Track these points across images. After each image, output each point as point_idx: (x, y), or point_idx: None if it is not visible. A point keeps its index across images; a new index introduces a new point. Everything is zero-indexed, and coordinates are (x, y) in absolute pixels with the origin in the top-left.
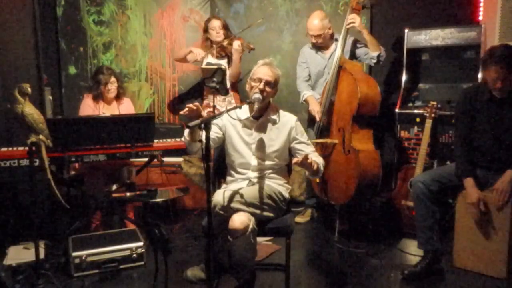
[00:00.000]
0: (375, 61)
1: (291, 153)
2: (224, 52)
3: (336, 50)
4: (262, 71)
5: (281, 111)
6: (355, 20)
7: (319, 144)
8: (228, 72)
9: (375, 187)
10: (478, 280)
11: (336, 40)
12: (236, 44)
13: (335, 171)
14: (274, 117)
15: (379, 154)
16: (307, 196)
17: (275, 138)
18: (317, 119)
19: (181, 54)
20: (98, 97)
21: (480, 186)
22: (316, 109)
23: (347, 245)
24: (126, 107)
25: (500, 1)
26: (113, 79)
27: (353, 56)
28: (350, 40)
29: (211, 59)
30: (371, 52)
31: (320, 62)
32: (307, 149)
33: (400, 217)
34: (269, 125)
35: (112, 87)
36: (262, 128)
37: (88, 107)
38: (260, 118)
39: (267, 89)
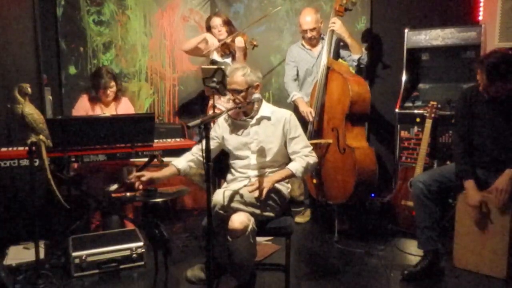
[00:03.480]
0: (355, 63)
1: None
2: (228, 50)
3: (324, 50)
4: (229, 81)
5: (274, 108)
6: (335, 23)
7: (313, 145)
8: None
9: (372, 184)
10: (478, 280)
11: (323, 39)
12: (238, 41)
13: (332, 171)
14: (268, 114)
15: (373, 150)
16: (306, 196)
17: (271, 135)
18: (310, 119)
19: (192, 43)
20: (96, 99)
21: (480, 186)
22: (307, 110)
23: (347, 245)
24: (124, 108)
25: (500, 1)
26: (112, 83)
27: (337, 55)
28: (333, 39)
29: (216, 56)
30: (353, 55)
31: (309, 60)
32: (299, 145)
33: (400, 217)
34: (264, 121)
35: (111, 92)
36: (258, 126)
37: (82, 110)
38: (254, 117)
39: (238, 96)
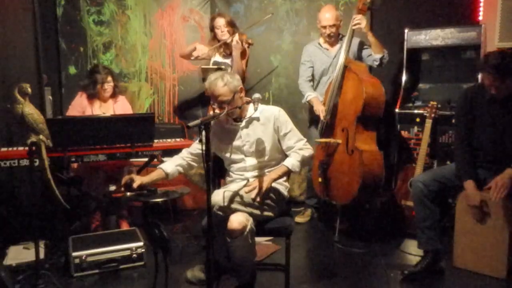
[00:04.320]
0: (377, 63)
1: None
2: (229, 51)
3: (342, 49)
4: (213, 94)
5: (262, 107)
6: (362, 21)
7: (322, 144)
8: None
9: (377, 188)
10: (478, 280)
11: (341, 39)
12: (234, 39)
13: (338, 171)
14: (256, 114)
15: (382, 155)
16: (307, 196)
17: (262, 135)
18: (322, 117)
19: (187, 51)
20: (94, 96)
21: (480, 186)
22: (320, 108)
23: (347, 245)
24: (121, 105)
25: (500, 1)
26: (109, 78)
27: (358, 58)
28: (355, 41)
29: (218, 58)
30: (374, 54)
31: (326, 60)
32: (292, 140)
33: (400, 217)
34: (254, 122)
35: (108, 86)
36: (248, 128)
37: (79, 107)
38: (243, 120)
39: (225, 106)
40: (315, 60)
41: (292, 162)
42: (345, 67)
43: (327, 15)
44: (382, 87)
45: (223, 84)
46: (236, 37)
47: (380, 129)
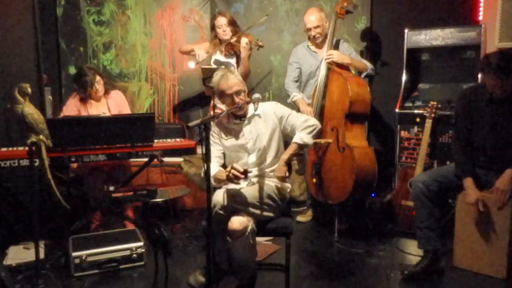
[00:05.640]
0: (363, 76)
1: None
2: (233, 50)
3: (325, 51)
4: (227, 86)
5: (261, 104)
6: (332, 54)
7: (313, 145)
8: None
9: (371, 183)
10: (478, 280)
11: (337, 44)
12: (244, 41)
13: (332, 170)
14: (258, 111)
15: (373, 150)
16: (307, 197)
17: (265, 131)
18: None
19: (186, 49)
20: (86, 98)
21: (480, 186)
22: (307, 110)
23: (347, 245)
24: (114, 100)
25: (500, 1)
26: (98, 78)
27: None
28: (343, 47)
29: (219, 56)
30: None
31: (313, 63)
32: (298, 120)
33: (400, 217)
34: (255, 118)
35: (99, 86)
36: (250, 126)
37: (74, 107)
38: (246, 117)
39: (241, 97)
40: (303, 62)
41: (299, 136)
42: (329, 69)
43: (311, 17)
44: (366, 85)
45: (234, 75)
46: (246, 39)
47: (379, 129)
